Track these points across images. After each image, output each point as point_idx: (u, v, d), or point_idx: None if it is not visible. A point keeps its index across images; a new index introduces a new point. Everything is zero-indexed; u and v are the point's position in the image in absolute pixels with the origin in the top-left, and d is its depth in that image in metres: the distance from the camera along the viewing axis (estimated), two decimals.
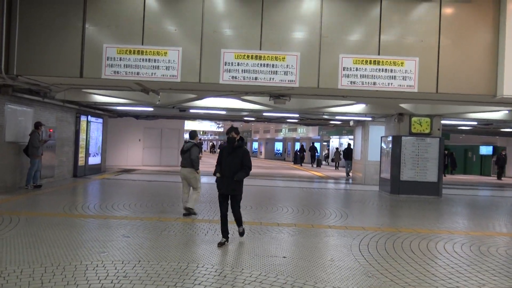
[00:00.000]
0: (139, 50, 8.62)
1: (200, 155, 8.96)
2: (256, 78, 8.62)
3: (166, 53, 8.65)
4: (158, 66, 8.65)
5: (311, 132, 34.24)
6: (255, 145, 52.66)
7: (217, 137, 66.03)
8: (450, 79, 8.66)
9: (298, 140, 42.04)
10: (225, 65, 8.62)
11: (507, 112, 13.79)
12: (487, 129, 18.48)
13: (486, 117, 14.25)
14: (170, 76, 8.63)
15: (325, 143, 38.39)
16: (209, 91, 9.97)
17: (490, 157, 29.45)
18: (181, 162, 8.85)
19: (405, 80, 8.67)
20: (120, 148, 22.07)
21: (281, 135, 42.03)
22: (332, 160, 30.45)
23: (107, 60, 8.64)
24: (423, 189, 13.31)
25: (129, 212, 8.59)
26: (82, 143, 15.49)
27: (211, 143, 60.53)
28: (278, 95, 10.03)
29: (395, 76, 8.67)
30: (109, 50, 8.65)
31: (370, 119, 15.73)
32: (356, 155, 18.74)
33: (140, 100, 12.73)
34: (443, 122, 14.30)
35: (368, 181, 17.25)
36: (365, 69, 8.66)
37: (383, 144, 14.61)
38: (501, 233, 8.07)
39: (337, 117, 16.21)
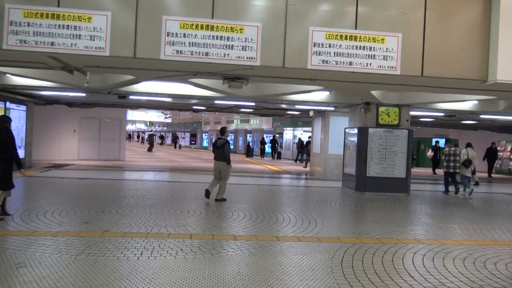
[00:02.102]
0: (53, 14, 6.62)
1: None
2: (207, 54, 6.88)
3: (90, 18, 6.70)
4: (79, 35, 6.68)
5: (264, 124, 32.81)
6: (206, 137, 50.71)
7: (165, 128, 63.09)
8: (437, 60, 7.34)
9: (250, 132, 40.60)
10: (167, 36, 6.80)
11: (476, 102, 12.93)
12: (449, 121, 17.80)
13: (454, 108, 13.37)
14: (95, 48, 6.70)
15: (278, 135, 37.20)
16: (148, 71, 8.08)
17: (442, 150, 29.35)
18: (214, 156, 9.89)
19: (386, 60, 7.26)
20: (51, 140, 19.47)
21: (232, 127, 40.30)
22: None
23: (10, 25, 6.57)
24: (391, 186, 12.19)
25: (40, 224, 6.61)
26: None
27: (159, 134, 57.47)
28: (233, 77, 8.33)
29: (374, 55, 7.23)
30: (13, 12, 6.58)
31: (332, 109, 14.41)
32: (315, 148, 17.44)
33: (67, 82, 10.56)
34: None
35: (328, 176, 16.01)
36: (340, 45, 7.16)
37: (347, 137, 13.33)
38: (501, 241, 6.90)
39: (296, 106, 14.75)
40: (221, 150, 9.62)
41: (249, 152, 33.26)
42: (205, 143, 53.00)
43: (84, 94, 13.32)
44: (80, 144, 20.49)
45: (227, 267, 4.85)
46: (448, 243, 6.46)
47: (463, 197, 12.23)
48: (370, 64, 7.22)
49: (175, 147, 45.58)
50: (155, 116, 39.54)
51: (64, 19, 6.63)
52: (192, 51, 6.86)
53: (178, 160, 25.77)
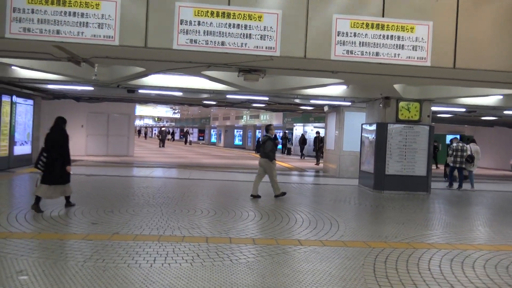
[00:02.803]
0: (59, 0, 6.17)
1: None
2: (223, 43, 6.39)
3: (98, 4, 6.24)
4: (87, 23, 6.23)
5: (274, 119, 32.26)
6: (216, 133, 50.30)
7: (173, 123, 62.72)
8: (470, 51, 6.78)
9: (259, 128, 40.10)
10: (181, 24, 6.33)
11: (500, 97, 12.34)
12: (467, 116, 17.17)
13: (477, 103, 12.76)
14: (104, 37, 6.24)
15: (287, 131, 36.67)
16: (159, 62, 7.60)
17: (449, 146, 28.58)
18: (260, 152, 9.94)
19: (416, 50, 6.72)
20: None
21: (242, 122, 39.81)
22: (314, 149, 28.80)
23: (13, 12, 6.13)
24: (411, 185, 11.65)
25: (45, 225, 6.19)
26: (4, 128, 12.66)
27: (170, 130, 56.71)
28: (249, 69, 7.84)
29: (403, 45, 6.70)
30: None
31: (348, 104, 13.85)
32: (329, 144, 16.91)
33: (74, 75, 10.14)
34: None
35: (343, 174, 15.50)
36: (366, 34, 6.63)
37: (364, 133, 12.79)
38: None
39: (311, 101, 14.21)
40: (263, 147, 9.66)
41: (259, 148, 32.72)
42: (213, 139, 52.68)
43: (92, 88, 12.90)
44: (88, 139, 20.14)
45: (250, 276, 4.38)
46: (485, 248, 5.94)
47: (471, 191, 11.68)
48: (399, 54, 6.69)
49: (185, 143, 45.08)
50: (163, 111, 39.17)
51: (71, 6, 6.17)
52: (207, 40, 6.38)
53: (188, 156, 25.37)
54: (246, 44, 6.42)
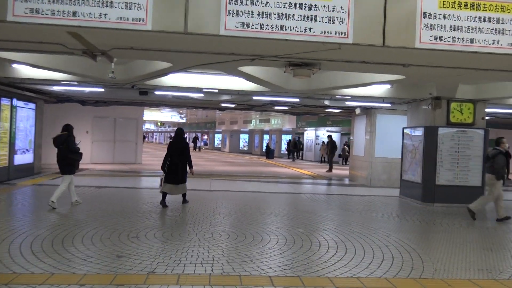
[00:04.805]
0: None
1: None
2: (282, 28, 5.08)
3: None
4: (111, 2, 4.90)
5: (287, 123, 30.91)
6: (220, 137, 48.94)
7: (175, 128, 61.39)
8: None
9: (267, 132, 38.79)
10: (229, 3, 5.01)
11: None
12: (508, 119, 15.87)
13: None
14: (133, 20, 4.92)
15: (296, 136, 35.37)
16: (194, 55, 6.26)
17: None
18: (487, 168, 8.67)
19: None
20: None
21: (250, 127, 38.45)
22: (340, 156, 27.87)
23: None
24: (464, 196, 10.24)
25: (57, 260, 4.82)
26: (4, 135, 11.30)
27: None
28: (302, 62, 6.52)
29: (503, 30, 5.40)
30: None
31: (388, 105, 12.50)
32: (357, 150, 15.56)
33: (85, 74, 8.80)
34: None
35: (375, 183, 14.17)
36: (458, 16, 5.33)
37: (406, 138, 11.45)
38: None
39: (347, 103, 12.86)
40: (492, 161, 8.41)
41: (269, 153, 31.41)
42: (216, 144, 51.22)
43: (102, 90, 11.55)
44: (93, 146, 18.76)
45: None
46: None
47: None
48: (498, 41, 5.38)
49: (195, 148, 43.08)
50: (169, 116, 37.81)
51: None
52: (262, 24, 5.05)
53: (199, 163, 23.95)
54: (310, 28, 5.10)
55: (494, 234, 7.37)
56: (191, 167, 8.82)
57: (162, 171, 8.69)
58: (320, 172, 19.37)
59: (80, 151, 8.46)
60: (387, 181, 14.16)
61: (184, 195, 8.93)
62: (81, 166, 16.19)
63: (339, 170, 21.27)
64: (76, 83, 10.76)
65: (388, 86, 10.46)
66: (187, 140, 43.57)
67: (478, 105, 10.40)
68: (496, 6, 5.36)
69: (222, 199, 9.99)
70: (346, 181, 15.92)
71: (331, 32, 5.14)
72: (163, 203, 8.50)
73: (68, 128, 8.30)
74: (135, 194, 10.47)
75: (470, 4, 5.32)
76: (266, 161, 28.04)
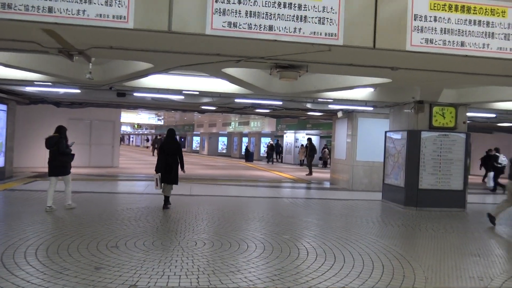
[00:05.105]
0: None
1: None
2: (271, 28, 4.88)
3: None
4: None
5: (267, 126, 30.79)
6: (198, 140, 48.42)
7: (153, 130, 60.39)
8: None
9: (246, 135, 38.61)
10: (215, 1, 4.78)
11: None
12: (484, 123, 16.11)
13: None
14: (114, 17, 4.64)
15: (275, 139, 35.31)
16: (177, 55, 6.00)
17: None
18: (508, 174, 8.35)
19: (509, 40, 5.38)
20: (35, 146, 17.09)
21: (229, 129, 38.17)
22: (320, 158, 28.03)
23: None
24: (446, 200, 10.34)
25: (29, 273, 4.49)
26: None
27: (154, 137, 53.55)
28: (288, 64, 6.34)
29: (493, 34, 5.34)
30: None
31: (370, 108, 12.47)
32: (339, 154, 15.52)
33: (60, 74, 8.42)
34: None
35: (356, 186, 14.14)
36: (449, 19, 5.25)
37: (389, 142, 11.43)
38: None
39: (330, 106, 12.77)
40: None
41: (248, 156, 31.21)
42: (194, 146, 50.61)
43: (78, 91, 11.12)
44: None
45: None
46: None
47: None
48: (488, 45, 5.33)
49: None
50: (146, 118, 37.11)
51: None
52: (251, 24, 4.85)
53: None
54: (300, 29, 4.93)
55: (479, 238, 7.35)
56: (182, 167, 8.92)
57: (155, 173, 8.73)
58: (301, 176, 19.27)
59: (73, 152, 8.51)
60: (368, 184, 14.15)
61: (167, 198, 8.82)
62: None
63: (320, 174, 21.23)
64: (50, 83, 10.32)
65: (371, 89, 10.42)
66: (151, 141, 43.04)
67: (460, 109, 10.45)
68: (486, 9, 5.30)
69: (203, 204, 9.72)
70: (328, 185, 15.85)
71: (321, 33, 4.97)
72: (164, 206, 8.73)
73: (60, 130, 8.35)
74: (113, 199, 10.08)
75: (461, 6, 5.25)
76: (246, 164, 27.82)
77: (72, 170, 8.63)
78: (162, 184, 8.68)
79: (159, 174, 8.62)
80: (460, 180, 10.39)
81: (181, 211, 8.54)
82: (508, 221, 9.02)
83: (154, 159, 30.53)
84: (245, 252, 5.66)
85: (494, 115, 13.19)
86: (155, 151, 34.74)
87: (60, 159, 8.14)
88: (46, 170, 8.49)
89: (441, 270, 5.27)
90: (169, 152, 8.78)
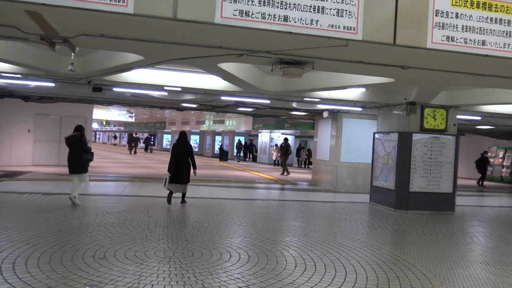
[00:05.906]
0: None
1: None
2: (285, 19, 4.44)
3: None
4: None
5: (243, 125, 30.28)
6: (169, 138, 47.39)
7: (122, 128, 58.68)
8: None
9: (219, 134, 38.02)
10: None
11: None
12: (465, 125, 16.22)
13: (498, 110, 11.62)
14: (110, 1, 4.06)
15: (248, 139, 34.95)
16: (175, 46, 5.44)
17: None
18: None
19: None
20: (0, 143, 16.02)
21: (204, 128, 37.42)
22: (297, 157, 28.04)
23: None
24: (435, 203, 10.21)
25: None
26: None
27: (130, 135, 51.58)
28: (293, 60, 5.91)
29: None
30: None
31: (359, 109, 12.22)
32: (322, 154, 15.24)
33: (34, 66, 7.67)
34: None
35: (340, 188, 13.91)
36: (470, 16, 4.95)
37: (378, 144, 11.21)
38: None
39: (318, 106, 12.43)
40: None
41: (223, 155, 30.65)
42: (164, 145, 49.48)
43: (52, 84, 10.28)
44: (35, 146, 17.08)
45: None
46: None
47: None
48: (509, 45, 5.07)
49: (146, 150, 40.55)
50: (116, 114, 35.84)
51: None
52: (264, 14, 4.39)
53: (152, 165, 22.72)
54: (317, 21, 4.51)
55: (485, 245, 7.16)
56: (195, 167, 9.44)
57: (168, 173, 9.25)
58: (279, 176, 18.92)
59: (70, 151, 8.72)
60: (352, 186, 13.94)
61: (183, 195, 9.47)
62: (21, 169, 14.67)
63: (297, 174, 20.97)
64: (20, 76, 9.51)
65: (363, 89, 10.15)
66: (127, 139, 41.91)
67: (451, 112, 10.34)
68: (507, 7, 5.04)
69: (188, 207, 9.17)
70: (309, 186, 15.55)
71: (339, 26, 4.57)
72: (168, 200, 9.19)
73: (80, 129, 8.72)
74: (90, 202, 9.37)
75: (482, 3, 4.97)
76: (221, 164, 27.25)
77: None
78: (171, 184, 9.18)
79: (169, 174, 9.15)
80: (450, 183, 10.28)
81: (166, 216, 7.97)
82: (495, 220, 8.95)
83: (131, 158, 29.53)
84: (247, 264, 5.19)
85: (479, 118, 13.25)
86: (133, 149, 33.76)
87: (84, 158, 8.59)
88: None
89: (457, 280, 4.98)
90: (181, 153, 9.32)
